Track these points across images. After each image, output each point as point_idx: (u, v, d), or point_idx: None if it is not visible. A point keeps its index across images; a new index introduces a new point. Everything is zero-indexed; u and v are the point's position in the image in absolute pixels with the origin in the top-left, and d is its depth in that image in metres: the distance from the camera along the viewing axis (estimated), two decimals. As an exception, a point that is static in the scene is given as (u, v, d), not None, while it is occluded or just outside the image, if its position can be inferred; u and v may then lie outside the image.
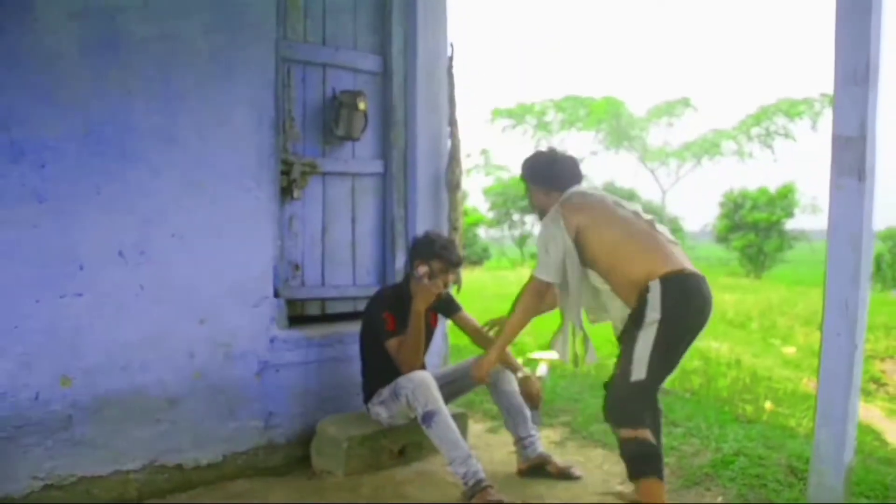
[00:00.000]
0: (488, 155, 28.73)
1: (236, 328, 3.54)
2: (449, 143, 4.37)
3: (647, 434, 2.71)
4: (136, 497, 3.22)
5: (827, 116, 23.69)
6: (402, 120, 4.28)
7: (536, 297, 3.15)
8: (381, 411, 3.54)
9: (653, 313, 2.66)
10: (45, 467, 2.99)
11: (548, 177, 3.24)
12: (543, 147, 3.56)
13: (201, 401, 3.42)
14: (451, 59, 4.38)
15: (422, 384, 3.32)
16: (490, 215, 28.10)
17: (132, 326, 3.21)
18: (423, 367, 3.62)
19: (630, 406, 2.73)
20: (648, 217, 3.04)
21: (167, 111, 3.31)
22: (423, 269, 3.48)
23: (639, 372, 2.67)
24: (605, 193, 3.20)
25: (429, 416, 3.27)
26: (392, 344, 3.50)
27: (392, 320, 3.52)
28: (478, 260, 25.82)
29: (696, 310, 2.76)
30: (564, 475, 3.51)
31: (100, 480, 3.12)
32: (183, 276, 3.36)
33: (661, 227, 2.99)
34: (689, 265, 2.80)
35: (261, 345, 3.62)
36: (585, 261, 2.96)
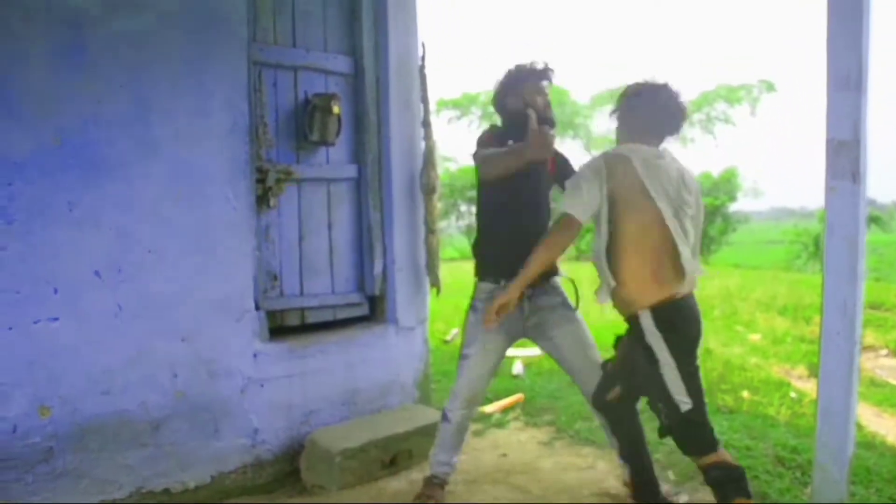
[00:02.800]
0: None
1: (219, 344, 3.42)
2: (423, 145, 4.29)
3: (726, 456, 2.70)
4: (124, 526, 3.09)
5: (765, 102, 24.28)
6: (376, 123, 4.19)
7: (565, 233, 2.76)
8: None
9: (657, 341, 2.65)
10: None
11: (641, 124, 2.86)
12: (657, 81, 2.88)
13: (186, 421, 3.30)
14: (422, 58, 4.29)
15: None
16: (438, 206, 28.02)
17: (112, 349, 3.07)
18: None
19: (697, 434, 2.71)
20: (690, 213, 2.79)
21: (140, 119, 3.16)
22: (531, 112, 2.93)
23: (684, 401, 2.65)
24: (670, 170, 2.79)
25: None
26: (480, 153, 3.11)
27: (490, 138, 3.18)
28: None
29: (689, 330, 2.74)
30: None
31: (85, 512, 2.99)
32: (162, 293, 3.23)
33: (690, 226, 2.78)
34: (687, 285, 2.73)
35: (244, 360, 3.51)
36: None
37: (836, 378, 2.71)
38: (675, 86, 2.84)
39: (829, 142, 2.68)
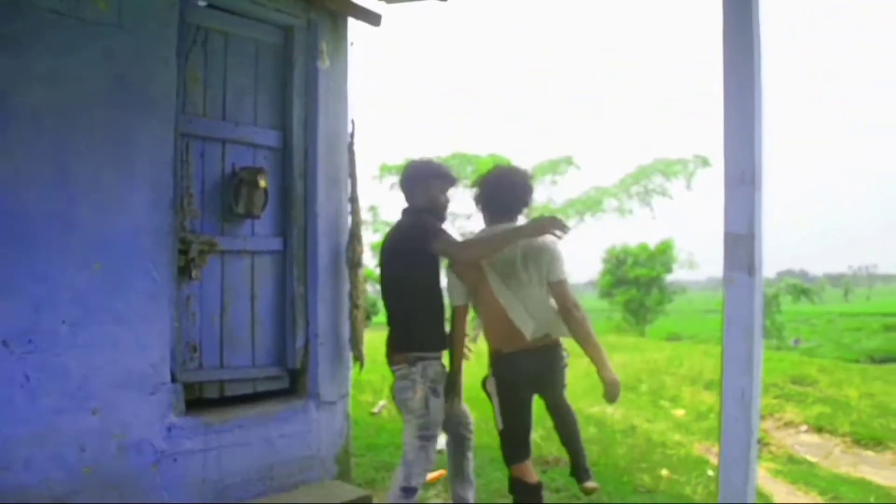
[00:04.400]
0: (376, 211, 28.80)
1: (131, 417, 3.36)
2: (350, 219, 4.35)
3: (526, 472, 3.34)
4: None
5: (700, 176, 25.12)
6: (303, 196, 4.24)
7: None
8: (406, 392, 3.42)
9: (490, 379, 3.37)
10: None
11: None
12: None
13: (93, 497, 3.20)
14: (352, 135, 4.39)
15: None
16: (377, 271, 28.03)
17: (15, 421, 2.99)
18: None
19: (505, 448, 3.38)
20: (524, 280, 3.31)
21: (59, 190, 3.16)
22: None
23: (500, 422, 3.35)
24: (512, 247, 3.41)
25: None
26: (446, 240, 3.37)
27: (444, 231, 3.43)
28: (366, 315, 25.67)
29: (508, 376, 3.33)
30: None
31: None
32: (74, 364, 3.17)
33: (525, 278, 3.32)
34: (520, 340, 3.28)
35: (157, 434, 3.45)
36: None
37: (736, 464, 2.77)
38: (521, 168, 3.76)
39: (726, 235, 2.81)
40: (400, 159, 28.15)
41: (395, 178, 29.14)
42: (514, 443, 3.35)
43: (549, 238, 3.30)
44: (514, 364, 3.33)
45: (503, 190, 3.48)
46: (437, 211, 3.59)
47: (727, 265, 2.82)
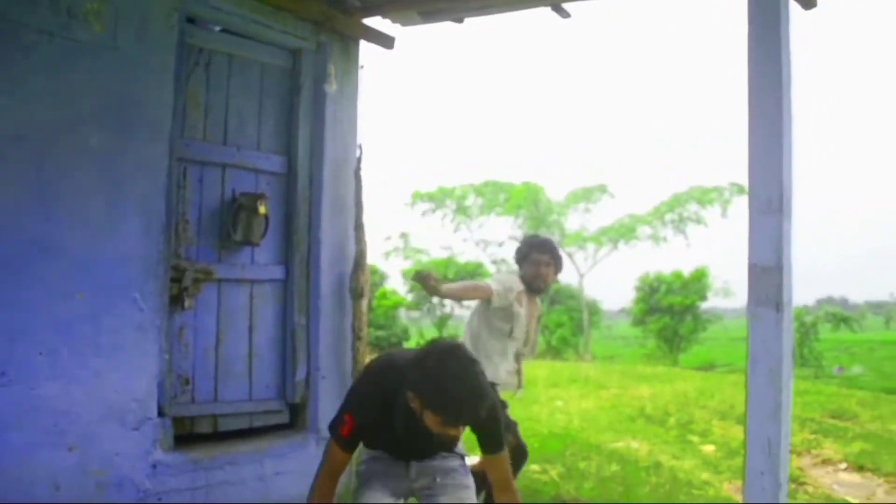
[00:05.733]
0: (407, 238, 28.78)
1: (112, 454, 3.20)
2: (354, 247, 4.17)
3: None
4: None
5: (736, 204, 24.76)
6: (306, 224, 4.10)
7: None
8: None
9: None
10: None
11: None
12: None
13: (68, 538, 3.02)
14: (359, 161, 4.25)
15: None
16: (409, 297, 27.91)
17: (-15, 458, 2.83)
18: None
19: None
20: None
21: (44, 216, 3.04)
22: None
23: None
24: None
25: None
26: (333, 457, 2.58)
27: (350, 426, 2.54)
28: (397, 341, 25.49)
29: None
30: None
31: None
32: (51, 398, 3.02)
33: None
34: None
35: (140, 471, 3.28)
36: None
37: (762, 522, 2.52)
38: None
39: (751, 267, 2.59)
40: (433, 186, 28.27)
41: (427, 206, 29.27)
42: None
43: None
44: None
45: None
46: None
47: (752, 299, 2.60)
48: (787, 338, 2.53)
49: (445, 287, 3.97)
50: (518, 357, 4.03)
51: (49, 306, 3.02)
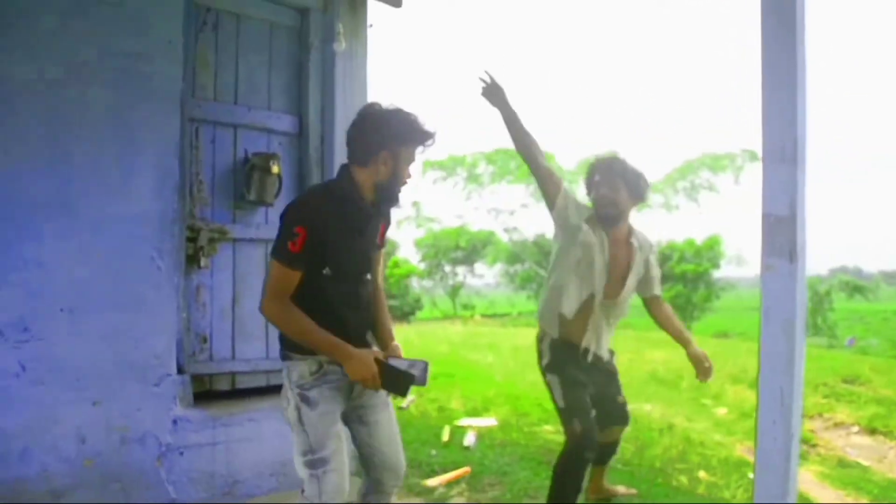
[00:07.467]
0: (419, 207, 28.79)
1: (134, 409, 3.26)
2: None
3: None
4: None
5: (748, 170, 24.48)
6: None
7: None
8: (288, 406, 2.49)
9: None
10: None
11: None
12: None
13: (93, 490, 3.11)
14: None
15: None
16: (422, 266, 27.99)
17: (9, 412, 2.91)
18: None
19: None
20: None
21: (57, 175, 3.08)
22: None
23: None
24: None
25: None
26: (275, 276, 2.38)
27: (303, 237, 2.33)
28: (410, 311, 25.62)
29: None
30: None
31: None
32: (73, 354, 3.08)
33: None
34: None
35: (162, 426, 3.34)
36: None
37: (773, 471, 2.52)
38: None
39: (764, 218, 2.56)
40: (444, 155, 28.12)
41: (438, 174, 29.21)
42: None
43: None
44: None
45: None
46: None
47: (766, 251, 2.56)
48: (801, 289, 2.51)
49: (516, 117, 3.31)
50: (594, 308, 3.39)
51: (68, 265, 3.07)
